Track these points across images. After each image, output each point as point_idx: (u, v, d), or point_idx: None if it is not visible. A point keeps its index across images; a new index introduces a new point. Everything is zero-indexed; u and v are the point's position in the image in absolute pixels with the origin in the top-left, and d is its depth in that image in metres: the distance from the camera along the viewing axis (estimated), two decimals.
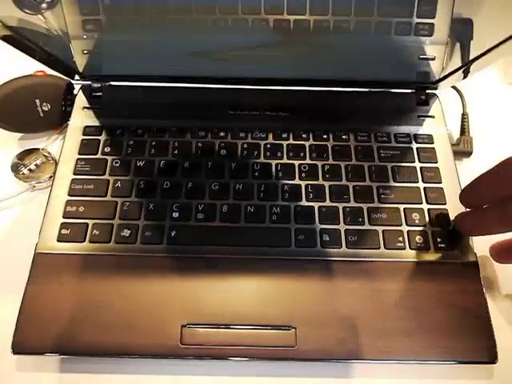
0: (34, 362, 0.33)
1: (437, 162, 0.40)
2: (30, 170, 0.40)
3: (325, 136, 0.41)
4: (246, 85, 0.43)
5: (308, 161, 0.40)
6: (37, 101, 0.41)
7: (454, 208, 0.38)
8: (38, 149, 0.42)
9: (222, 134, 0.41)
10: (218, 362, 0.33)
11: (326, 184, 0.39)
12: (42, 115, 0.41)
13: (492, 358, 0.32)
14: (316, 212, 0.37)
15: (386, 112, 0.43)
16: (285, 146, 0.40)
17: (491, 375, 0.33)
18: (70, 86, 0.43)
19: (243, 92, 0.43)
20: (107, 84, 0.43)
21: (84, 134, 0.40)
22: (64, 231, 0.36)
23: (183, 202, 0.37)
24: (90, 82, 0.43)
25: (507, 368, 0.33)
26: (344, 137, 0.41)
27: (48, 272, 0.34)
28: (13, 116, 0.41)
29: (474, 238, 0.36)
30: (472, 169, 0.42)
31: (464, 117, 0.44)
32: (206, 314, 0.33)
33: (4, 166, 0.41)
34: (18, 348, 0.32)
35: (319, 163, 0.40)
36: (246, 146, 0.40)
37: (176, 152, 0.40)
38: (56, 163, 0.40)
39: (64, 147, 0.40)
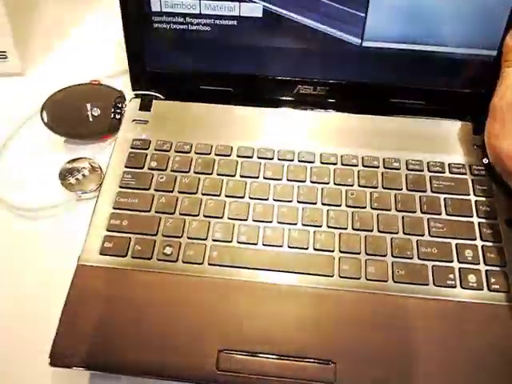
0: (68, 376, 0.33)
1: (493, 197, 0.38)
2: (77, 179, 0.41)
3: (375, 162, 0.40)
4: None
5: (356, 187, 0.38)
6: (88, 105, 0.42)
7: (510, 248, 0.35)
8: (86, 158, 0.42)
9: (268, 154, 0.40)
10: None
11: (374, 213, 0.37)
12: (91, 120, 0.42)
13: None
14: (362, 242, 0.36)
15: (440, 140, 0.41)
16: (332, 170, 0.39)
17: None
18: (122, 96, 0.44)
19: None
20: (158, 98, 0.43)
21: (132, 147, 0.41)
22: (107, 244, 0.36)
23: (225, 222, 0.37)
24: (144, 93, 0.43)
25: None
26: (395, 164, 0.40)
27: (89, 285, 0.34)
28: (63, 119, 0.42)
29: None
30: None
31: None
32: (244, 340, 0.32)
33: (52, 173, 0.41)
34: (56, 360, 0.32)
35: (368, 190, 0.38)
36: (292, 168, 0.39)
37: (221, 171, 0.39)
38: (102, 174, 0.41)
39: (112, 158, 0.40)
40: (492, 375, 0.31)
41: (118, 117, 0.43)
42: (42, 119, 0.42)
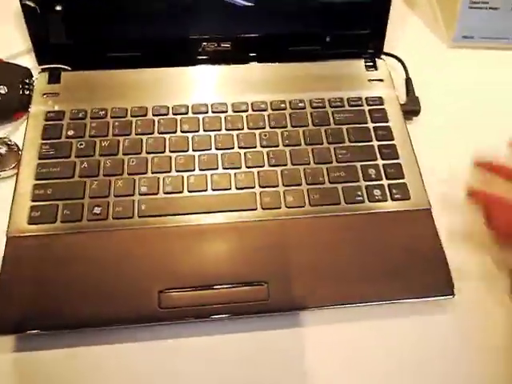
0: (13, 343, 0.34)
1: (388, 121, 0.43)
2: None
3: (282, 105, 0.43)
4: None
5: (268, 129, 0.42)
6: None
7: (406, 162, 0.40)
8: (0, 137, 0.42)
9: (182, 110, 0.42)
10: (195, 323, 0.34)
11: (286, 149, 0.40)
12: None
13: (450, 292, 0.35)
14: (279, 176, 0.39)
15: (338, 79, 0.45)
16: (244, 116, 0.42)
17: (453, 309, 0.36)
18: (28, 72, 0.43)
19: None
20: (67, 70, 0.44)
21: (46, 120, 0.41)
22: (34, 213, 0.36)
23: (150, 177, 0.39)
24: (51, 66, 0.43)
25: (466, 301, 0.36)
26: (300, 104, 0.43)
27: (22, 254, 0.35)
28: None
29: (426, 187, 0.39)
30: (421, 125, 0.45)
31: (408, 81, 0.47)
32: (181, 278, 0.34)
33: None
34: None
35: (278, 131, 0.42)
36: (207, 119, 0.42)
37: (139, 130, 0.41)
38: (19, 150, 0.41)
39: (27, 133, 0.40)
40: (402, 268, 0.35)
41: (27, 93, 0.43)
42: None
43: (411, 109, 0.45)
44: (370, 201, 0.38)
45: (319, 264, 0.35)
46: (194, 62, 0.45)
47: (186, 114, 0.42)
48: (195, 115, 0.42)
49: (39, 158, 0.39)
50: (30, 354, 0.33)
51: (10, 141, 0.42)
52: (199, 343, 0.34)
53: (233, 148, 0.40)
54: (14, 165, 0.40)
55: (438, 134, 0.44)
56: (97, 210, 0.37)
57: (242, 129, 0.42)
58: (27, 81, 0.43)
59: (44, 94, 0.43)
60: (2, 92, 0.42)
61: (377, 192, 0.39)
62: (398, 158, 0.41)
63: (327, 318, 0.35)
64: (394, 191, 0.39)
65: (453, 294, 0.35)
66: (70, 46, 0.44)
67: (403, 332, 0.35)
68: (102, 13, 0.43)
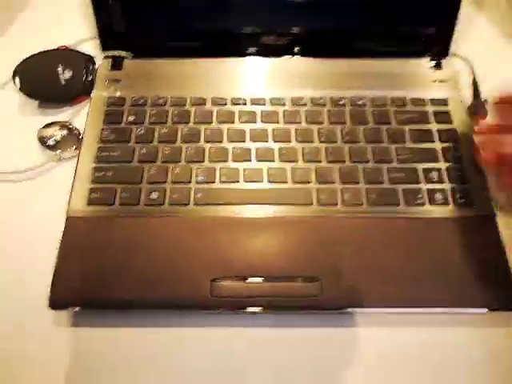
0: (68, 318, 0.34)
1: (452, 123, 0.41)
2: (55, 140, 0.41)
3: (342, 101, 0.42)
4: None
5: (326, 125, 0.41)
6: (59, 69, 0.42)
7: (470, 166, 0.39)
8: (62, 121, 0.43)
9: (241, 101, 0.42)
10: (244, 315, 0.34)
11: (345, 146, 0.40)
12: (63, 82, 0.43)
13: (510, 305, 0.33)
14: (336, 172, 0.38)
15: (401, 77, 0.44)
16: (302, 111, 0.41)
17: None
18: (91, 59, 0.44)
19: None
20: (129, 57, 0.44)
21: (107, 105, 0.42)
22: (94, 195, 0.37)
23: (207, 166, 0.39)
24: (113, 53, 0.44)
25: None
26: (361, 102, 0.42)
27: (80, 233, 0.35)
28: (36, 83, 0.43)
29: (492, 195, 0.37)
30: None
31: (474, 83, 0.45)
32: (234, 268, 0.34)
33: (30, 137, 0.42)
34: (55, 304, 0.33)
35: (338, 127, 0.41)
36: (265, 112, 0.41)
37: (197, 120, 0.41)
38: (80, 135, 0.42)
39: (89, 117, 0.41)
40: (462, 276, 0.34)
41: (89, 78, 0.44)
42: (15, 84, 0.42)
43: (477, 112, 0.43)
44: (430, 204, 0.37)
45: (375, 265, 0.34)
46: (252, 55, 0.45)
47: (245, 105, 0.42)
48: (254, 106, 0.42)
49: (100, 142, 0.40)
50: (80, 330, 0.34)
51: (71, 124, 0.43)
52: (243, 334, 0.34)
53: (290, 142, 0.40)
54: (74, 147, 0.41)
55: None
56: (154, 195, 0.37)
57: (300, 123, 0.41)
58: (90, 67, 0.44)
59: (106, 80, 0.43)
60: (67, 77, 0.43)
61: (438, 196, 0.37)
62: (461, 162, 0.39)
63: (378, 321, 0.34)
64: (456, 196, 0.37)
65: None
66: (133, 34, 0.45)
67: (459, 343, 0.34)
68: (165, 2, 0.43)
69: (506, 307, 0.33)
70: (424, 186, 0.38)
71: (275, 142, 0.40)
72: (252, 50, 0.45)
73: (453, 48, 0.46)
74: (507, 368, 0.33)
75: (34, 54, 0.43)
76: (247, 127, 0.41)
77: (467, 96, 0.44)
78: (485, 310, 0.33)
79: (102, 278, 0.34)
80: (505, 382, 0.32)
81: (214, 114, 0.41)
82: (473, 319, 0.34)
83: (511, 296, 0.33)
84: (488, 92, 0.44)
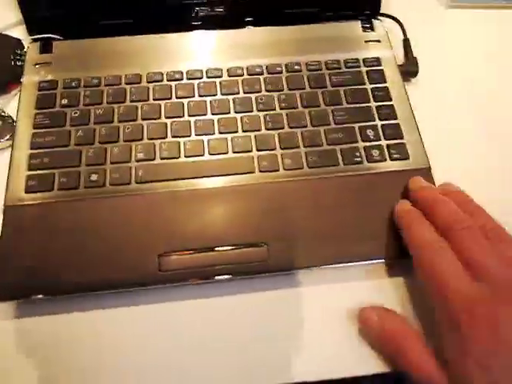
0: (13, 309, 0.34)
1: (386, 82, 0.42)
2: None
3: (278, 68, 0.42)
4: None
5: (264, 92, 0.41)
6: None
7: (404, 123, 0.40)
8: None
9: (177, 76, 0.42)
10: (195, 286, 0.34)
11: (283, 112, 0.40)
12: None
13: None
14: (276, 139, 0.39)
15: (334, 41, 0.44)
16: (240, 81, 0.42)
17: None
18: (20, 43, 0.43)
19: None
20: (58, 39, 0.43)
21: (39, 90, 0.40)
22: (31, 182, 0.36)
23: (146, 143, 0.38)
24: (42, 36, 0.43)
25: None
26: (296, 67, 0.42)
27: (20, 222, 0.35)
28: None
29: (426, 147, 0.39)
30: (419, 87, 0.44)
31: (406, 41, 0.46)
32: (179, 241, 0.34)
33: None
34: (2, 295, 0.32)
35: (275, 94, 0.41)
36: (202, 85, 0.41)
37: (133, 98, 0.40)
38: (14, 122, 0.40)
39: (20, 103, 0.40)
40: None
41: (19, 63, 0.42)
42: None
43: (409, 70, 0.44)
44: (368, 161, 0.38)
45: (318, 225, 0.35)
46: (187, 28, 0.45)
47: (181, 80, 0.41)
48: (190, 81, 0.41)
49: (34, 128, 0.39)
50: (29, 320, 0.34)
51: (4, 112, 0.41)
52: (199, 305, 0.34)
53: (229, 113, 0.40)
54: (8, 136, 0.40)
55: (437, 95, 0.44)
56: (94, 177, 0.37)
57: (238, 93, 0.41)
58: (19, 51, 0.43)
59: (36, 64, 0.42)
60: None
61: (375, 152, 0.38)
62: (396, 119, 0.40)
63: (326, 278, 0.35)
64: (392, 151, 0.39)
65: None
66: (61, 15, 0.43)
67: (400, 290, 0.35)
68: None
69: None
70: (361, 144, 0.39)
71: (213, 114, 0.40)
72: (186, 23, 0.45)
73: (383, 9, 0.46)
74: None
75: None
76: (185, 101, 0.40)
77: (399, 55, 0.45)
78: None
79: (47, 265, 0.33)
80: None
81: (151, 90, 0.41)
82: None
83: None
84: (418, 50, 0.45)
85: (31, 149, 0.38)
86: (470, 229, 0.31)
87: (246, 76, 0.42)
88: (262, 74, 0.42)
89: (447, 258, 0.30)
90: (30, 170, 0.37)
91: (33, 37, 0.43)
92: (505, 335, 0.27)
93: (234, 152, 0.38)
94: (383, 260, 0.35)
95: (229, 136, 0.39)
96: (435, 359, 0.29)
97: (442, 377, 0.28)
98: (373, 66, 0.43)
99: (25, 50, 0.43)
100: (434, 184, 0.37)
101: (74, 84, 0.41)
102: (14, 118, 0.41)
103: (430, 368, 0.29)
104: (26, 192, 0.36)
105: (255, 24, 0.45)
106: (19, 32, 0.45)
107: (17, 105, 0.41)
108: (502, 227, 0.32)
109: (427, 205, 0.33)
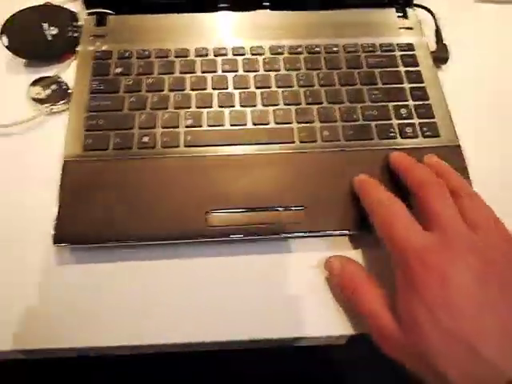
0: (70, 255, 0.37)
1: (418, 66, 0.45)
2: (45, 95, 0.43)
3: (317, 49, 0.45)
4: None
5: (304, 70, 0.44)
6: (44, 25, 0.44)
7: (436, 103, 0.42)
8: (51, 76, 0.44)
9: (222, 51, 0.44)
10: (237, 243, 0.37)
11: (322, 89, 0.43)
12: (49, 39, 0.44)
13: None
14: (315, 113, 0.41)
15: (370, 26, 0.47)
16: (281, 59, 0.44)
17: None
18: (76, 15, 0.46)
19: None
20: (110, 14, 0.46)
21: (95, 59, 0.43)
22: (88, 141, 0.39)
23: (194, 111, 0.41)
24: (96, 10, 0.46)
25: None
26: (334, 49, 0.45)
27: (78, 175, 0.38)
28: (23, 42, 0.44)
29: (456, 126, 0.41)
30: (450, 72, 0.47)
31: (437, 30, 0.49)
32: (226, 201, 0.37)
33: (20, 94, 0.43)
34: (59, 239, 0.35)
35: (314, 72, 0.44)
36: (246, 61, 0.44)
37: (183, 69, 0.43)
38: (68, 89, 0.43)
39: (77, 70, 0.43)
40: None
41: (75, 35, 0.45)
42: (3, 42, 0.44)
43: (440, 56, 0.46)
44: (402, 137, 0.41)
45: (353, 192, 0.38)
46: (229, 8, 0.48)
47: (226, 55, 0.44)
48: (235, 57, 0.44)
49: (90, 93, 0.42)
50: (81, 266, 0.36)
51: (60, 78, 0.44)
52: (241, 261, 0.37)
53: (271, 87, 0.43)
54: (63, 101, 0.43)
55: (466, 82, 0.46)
56: (145, 139, 0.39)
57: (280, 70, 0.44)
58: (75, 23, 0.46)
59: (91, 36, 0.45)
60: (53, 33, 0.44)
61: (408, 129, 0.41)
62: (428, 100, 0.43)
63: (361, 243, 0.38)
64: (424, 129, 0.41)
65: None
66: None
67: None
68: None
69: None
70: (395, 122, 0.41)
71: (256, 88, 0.43)
72: (227, 4, 0.48)
73: (416, 0, 0.49)
74: None
75: (20, 11, 0.44)
76: (229, 75, 0.43)
77: (431, 42, 0.48)
78: None
79: (101, 215, 0.36)
80: None
81: (198, 63, 0.44)
82: None
83: None
84: (448, 40, 0.48)
85: (88, 111, 0.41)
86: (439, 185, 0.33)
87: (286, 55, 0.45)
88: (302, 53, 0.45)
89: (399, 212, 0.32)
90: (87, 130, 0.40)
91: (88, 11, 0.46)
92: (455, 282, 0.28)
93: (276, 123, 0.41)
94: None
95: (270, 108, 0.41)
96: (389, 307, 0.30)
97: (394, 322, 0.30)
98: (406, 50, 0.45)
99: (80, 22, 0.46)
100: (463, 161, 0.39)
101: (127, 55, 0.44)
102: (69, 85, 0.44)
103: (383, 313, 0.30)
104: (84, 150, 0.39)
105: (294, 8, 0.48)
106: (75, 6, 0.48)
107: (70, 72, 0.44)
108: (477, 194, 0.33)
109: (403, 172, 0.36)
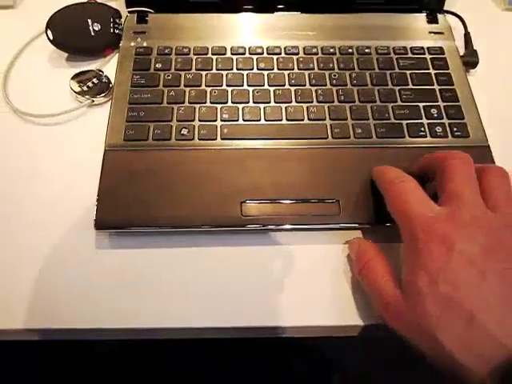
0: (110, 240, 0.38)
1: (448, 69, 0.46)
2: (87, 86, 0.45)
3: (350, 50, 0.46)
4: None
5: (337, 70, 0.45)
6: (89, 20, 0.46)
7: (465, 105, 0.43)
8: (93, 70, 0.46)
9: (258, 50, 0.46)
10: (272, 233, 0.38)
11: (354, 88, 0.44)
12: (93, 34, 0.46)
13: None
14: (348, 111, 0.43)
15: (401, 30, 0.48)
16: (315, 59, 0.46)
17: None
18: (118, 13, 0.48)
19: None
20: (151, 12, 0.48)
21: (136, 54, 0.45)
22: (129, 131, 0.41)
23: (230, 106, 0.42)
24: (137, 9, 0.48)
25: None
26: (367, 50, 0.47)
27: (118, 164, 0.39)
28: (68, 37, 0.46)
29: (485, 128, 0.42)
30: (479, 76, 0.48)
31: (466, 35, 0.50)
32: (261, 192, 0.38)
33: (63, 86, 0.45)
34: (99, 224, 0.37)
35: (347, 72, 0.45)
36: (281, 59, 0.46)
37: (220, 66, 0.45)
38: (110, 82, 0.45)
39: (119, 64, 0.45)
40: None
41: (117, 31, 0.47)
42: (48, 36, 0.46)
43: (470, 60, 0.47)
44: (432, 136, 0.42)
45: None
46: (264, 10, 0.49)
47: (262, 54, 0.46)
48: (270, 55, 0.46)
49: (131, 86, 0.43)
50: (120, 252, 0.37)
51: (102, 72, 0.46)
52: (274, 250, 0.38)
53: (305, 85, 0.44)
54: (105, 94, 0.45)
55: (494, 85, 0.47)
56: (184, 131, 0.41)
57: (313, 69, 0.45)
58: (117, 20, 0.48)
59: (133, 32, 0.47)
60: (96, 29, 0.46)
61: (438, 129, 0.42)
62: (458, 101, 0.44)
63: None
64: (454, 129, 0.42)
65: None
66: None
67: None
68: None
69: None
70: (425, 121, 0.42)
71: (291, 85, 0.44)
72: (263, 6, 0.49)
73: (447, 6, 0.50)
74: None
75: (65, 7, 0.46)
76: (265, 73, 0.45)
77: (460, 46, 0.49)
78: None
79: (141, 202, 0.37)
80: None
81: (234, 61, 0.45)
82: None
83: None
84: (477, 46, 0.49)
85: (129, 103, 0.42)
86: (464, 159, 0.33)
87: (320, 55, 0.46)
88: (335, 54, 0.46)
89: (411, 188, 0.32)
90: (128, 121, 0.41)
91: (129, 9, 0.48)
92: (458, 252, 0.28)
93: (309, 119, 0.42)
94: None
95: (304, 105, 0.43)
96: (396, 281, 0.31)
97: (398, 293, 0.30)
98: (437, 54, 0.47)
99: (122, 19, 0.48)
100: (493, 161, 0.40)
101: (166, 51, 0.46)
102: (110, 79, 0.45)
103: (389, 286, 0.31)
104: (125, 140, 0.40)
105: (328, 11, 0.49)
106: (118, 4, 0.50)
107: (111, 67, 0.46)
108: (504, 173, 0.33)
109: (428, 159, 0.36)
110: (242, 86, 0.44)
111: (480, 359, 0.27)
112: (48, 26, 0.46)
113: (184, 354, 0.67)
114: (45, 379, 0.67)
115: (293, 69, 0.45)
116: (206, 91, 0.43)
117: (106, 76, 0.46)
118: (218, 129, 0.41)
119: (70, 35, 0.46)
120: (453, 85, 0.45)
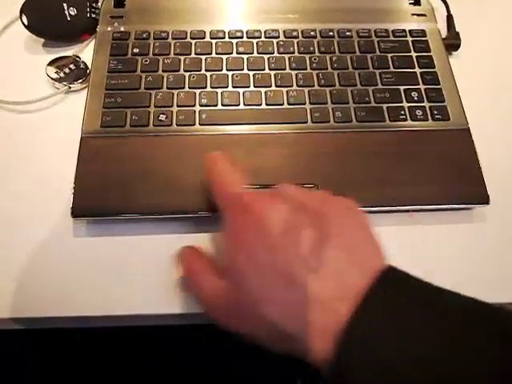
0: (87, 228, 0.38)
1: (430, 51, 0.45)
2: (64, 72, 0.44)
3: (330, 33, 0.46)
4: None
5: (317, 54, 0.45)
6: (64, 4, 0.45)
7: (446, 88, 0.43)
8: (70, 56, 0.45)
9: (238, 34, 0.45)
10: None
11: (335, 72, 0.44)
12: (69, 19, 0.45)
13: (485, 200, 0.38)
14: (328, 94, 0.42)
15: (383, 12, 0.48)
16: (295, 42, 0.45)
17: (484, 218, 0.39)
18: None
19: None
20: None
21: (113, 39, 0.44)
22: (106, 118, 0.40)
23: (209, 91, 0.42)
24: None
25: (499, 209, 0.39)
26: (348, 33, 0.46)
27: (96, 150, 0.39)
28: (42, 22, 0.45)
29: (466, 111, 0.42)
30: (461, 59, 0.47)
31: (449, 17, 0.49)
32: None
33: (39, 72, 0.44)
34: (77, 213, 0.36)
35: (327, 56, 0.44)
36: (261, 43, 0.45)
37: (199, 50, 0.44)
38: (87, 68, 0.44)
39: (96, 49, 0.44)
40: (442, 177, 0.38)
41: (93, 16, 0.46)
42: (22, 22, 0.45)
43: (452, 42, 0.47)
44: (412, 120, 0.41)
45: (365, 171, 0.38)
46: None
47: (242, 38, 0.45)
48: (250, 39, 0.45)
49: (108, 72, 0.43)
50: (98, 239, 0.37)
51: (79, 57, 0.45)
52: None
53: (285, 69, 0.44)
54: (82, 80, 0.44)
55: (476, 68, 0.47)
56: (162, 117, 0.40)
57: (294, 53, 0.45)
58: (94, 5, 0.47)
59: (110, 17, 0.46)
60: (72, 13, 0.45)
61: (419, 112, 0.42)
62: (439, 84, 0.43)
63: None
64: (434, 112, 0.42)
65: (487, 202, 0.38)
66: None
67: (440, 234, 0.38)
68: None
69: (482, 202, 0.38)
70: (406, 104, 0.42)
71: (271, 69, 0.43)
72: None
73: None
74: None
75: None
76: (244, 57, 0.44)
77: (443, 28, 0.48)
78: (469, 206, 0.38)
79: (118, 189, 0.37)
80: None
81: (214, 45, 0.45)
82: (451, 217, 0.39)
83: (484, 191, 0.38)
84: (460, 28, 0.49)
85: (106, 89, 0.42)
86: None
87: (300, 38, 0.45)
88: (315, 37, 0.46)
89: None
90: (104, 107, 0.41)
91: None
92: (268, 222, 0.28)
93: (289, 104, 0.42)
94: (431, 206, 0.38)
95: (284, 89, 0.42)
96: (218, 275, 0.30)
97: (221, 280, 0.29)
98: (418, 36, 0.46)
99: (99, 3, 0.47)
100: (473, 144, 0.40)
101: (144, 36, 0.45)
102: (87, 65, 0.45)
103: (211, 276, 0.30)
104: (102, 126, 0.40)
105: None
106: None
107: (88, 53, 0.45)
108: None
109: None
110: (221, 70, 0.43)
111: (311, 327, 0.25)
112: (22, 11, 0.45)
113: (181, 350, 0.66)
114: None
115: (273, 53, 0.44)
116: (184, 76, 0.43)
117: (83, 62, 0.45)
118: (197, 114, 0.41)
119: (46, 20, 0.45)
120: (434, 68, 0.44)
